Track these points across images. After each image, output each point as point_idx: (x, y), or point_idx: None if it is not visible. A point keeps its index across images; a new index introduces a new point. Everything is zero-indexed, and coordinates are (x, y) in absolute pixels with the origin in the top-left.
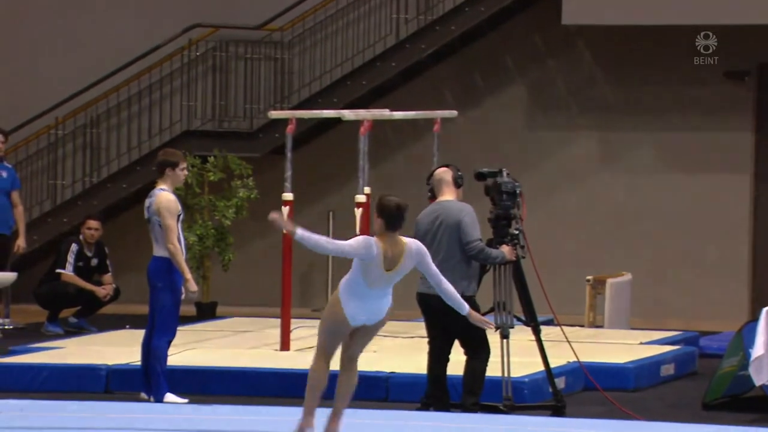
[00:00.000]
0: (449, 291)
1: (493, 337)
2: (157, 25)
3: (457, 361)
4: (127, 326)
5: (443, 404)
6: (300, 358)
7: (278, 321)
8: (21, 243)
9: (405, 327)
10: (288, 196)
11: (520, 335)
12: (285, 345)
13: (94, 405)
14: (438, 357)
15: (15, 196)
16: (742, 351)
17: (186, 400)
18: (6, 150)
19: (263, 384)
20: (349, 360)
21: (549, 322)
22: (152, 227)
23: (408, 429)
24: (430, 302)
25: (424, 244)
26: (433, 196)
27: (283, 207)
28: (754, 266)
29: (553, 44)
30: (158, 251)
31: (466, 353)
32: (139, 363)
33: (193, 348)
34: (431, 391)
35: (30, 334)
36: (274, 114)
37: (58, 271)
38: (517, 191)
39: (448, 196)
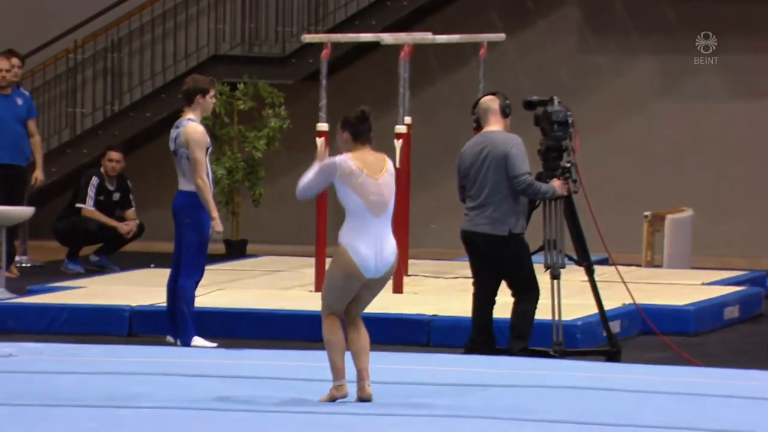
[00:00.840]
0: None
1: (543, 278)
2: None
3: (504, 303)
4: (152, 265)
5: (489, 349)
6: None
7: (312, 260)
8: (38, 175)
9: (448, 267)
10: (323, 126)
11: (572, 275)
12: (320, 286)
13: (117, 349)
14: (484, 299)
15: (32, 125)
16: None
17: (214, 344)
18: (22, 75)
19: (296, 327)
20: (351, 319)
21: (603, 262)
22: (178, 160)
23: (451, 375)
24: (475, 240)
25: (468, 177)
26: (479, 127)
27: (317, 138)
28: None
29: None
30: (184, 185)
31: (513, 295)
32: (165, 304)
33: (222, 288)
34: (476, 336)
35: (49, 273)
36: (308, 38)
37: (77, 205)
38: (569, 121)
39: (494, 126)
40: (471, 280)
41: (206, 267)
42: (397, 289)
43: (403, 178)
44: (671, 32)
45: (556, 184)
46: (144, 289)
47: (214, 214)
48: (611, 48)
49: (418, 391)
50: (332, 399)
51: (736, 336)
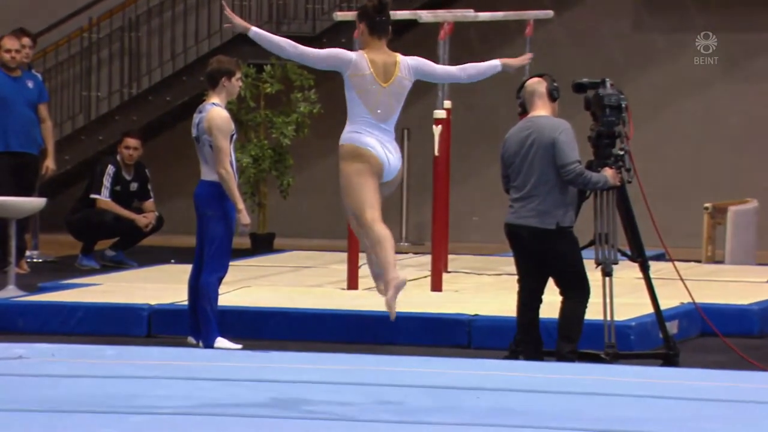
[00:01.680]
0: (475, 71)
1: (594, 275)
2: None
3: (551, 303)
4: (172, 260)
5: (535, 352)
6: (369, 298)
7: (344, 255)
8: (50, 164)
9: (491, 262)
10: None
11: (626, 272)
12: (352, 283)
13: (135, 350)
14: (529, 297)
15: (43, 109)
16: None
17: (239, 346)
18: (33, 56)
19: (327, 327)
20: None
21: (660, 257)
22: (201, 147)
23: (494, 380)
24: (520, 233)
25: (512, 166)
26: (524, 112)
27: None
28: None
29: None
30: (207, 175)
31: (561, 293)
32: (186, 303)
33: (247, 286)
34: (521, 337)
35: (62, 269)
36: (341, 15)
37: (92, 196)
38: (623, 105)
39: (541, 111)
40: (515, 277)
41: (231, 263)
42: (436, 286)
43: (442, 166)
44: (732, 8)
45: (608, 173)
46: (164, 286)
47: (240, 205)
48: (668, 26)
49: (457, 397)
50: (397, 289)
51: None
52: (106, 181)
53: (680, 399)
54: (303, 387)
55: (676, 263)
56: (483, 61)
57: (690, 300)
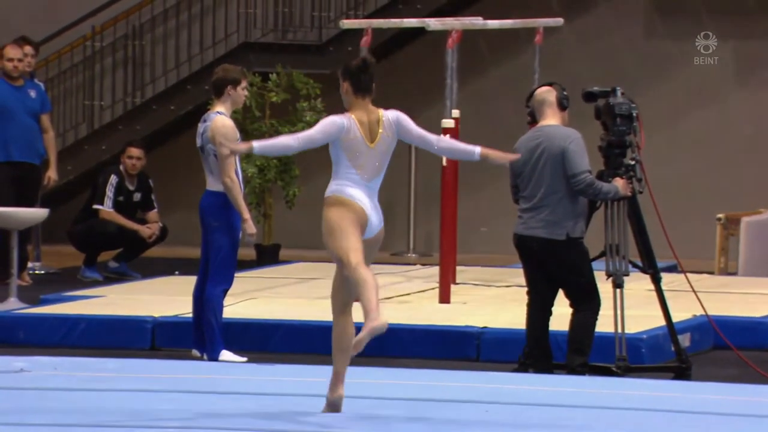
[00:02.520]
0: (449, 145)
1: (605, 287)
2: None
3: (561, 315)
4: (177, 272)
5: (545, 365)
6: None
7: None
8: (52, 174)
9: (500, 274)
10: None
11: (637, 284)
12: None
13: (138, 363)
14: (539, 309)
15: (45, 119)
16: None
17: (245, 359)
18: (35, 65)
19: None
20: (344, 304)
21: (671, 269)
22: (206, 157)
23: (503, 394)
24: (530, 245)
25: (522, 176)
26: (534, 121)
27: None
28: None
29: None
30: (212, 185)
31: (572, 305)
32: (190, 315)
33: (252, 298)
34: (531, 350)
35: (64, 281)
36: (347, 23)
37: (95, 207)
38: (634, 114)
39: (551, 120)
40: (525, 289)
41: (236, 274)
42: (444, 298)
43: (450, 176)
44: (746, 15)
45: (619, 183)
46: (168, 298)
47: (246, 215)
48: (680, 33)
49: (466, 411)
50: (371, 333)
51: None
52: (109, 192)
53: (692, 413)
54: (309, 400)
55: (689, 275)
56: (491, 71)
57: (702, 312)
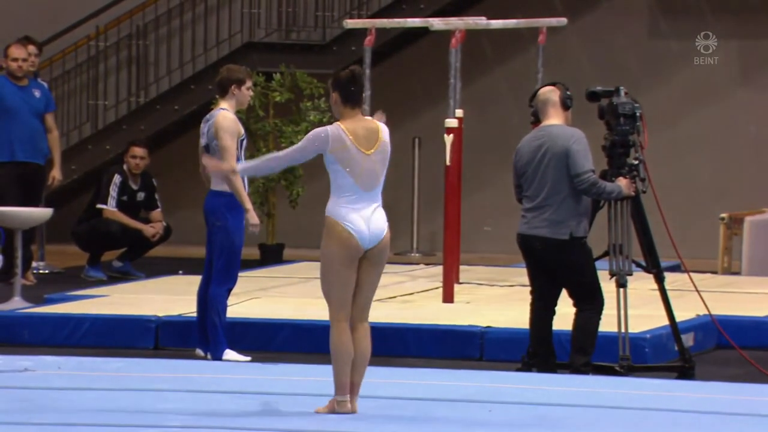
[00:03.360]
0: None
1: (608, 286)
2: None
3: (564, 314)
4: (180, 272)
5: (548, 364)
6: (380, 309)
7: None
8: (56, 174)
9: (503, 273)
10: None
11: (640, 284)
12: None
13: (142, 362)
14: (542, 309)
15: (49, 119)
16: None
17: (248, 358)
18: (39, 65)
19: None
20: (359, 314)
21: (675, 268)
22: (211, 156)
23: (506, 393)
24: (533, 244)
25: (525, 175)
26: (537, 121)
27: None
28: None
29: None
30: (216, 184)
31: (575, 305)
32: (194, 315)
33: (256, 297)
34: (534, 349)
35: (68, 280)
36: (351, 23)
37: (99, 206)
38: (638, 113)
39: (554, 120)
40: (528, 289)
41: (240, 274)
42: (447, 297)
43: (453, 176)
44: (750, 14)
45: (623, 183)
46: (172, 297)
47: (248, 205)
48: (684, 33)
49: (469, 410)
50: (331, 412)
51: None
52: (113, 191)
53: (696, 412)
54: (313, 400)
55: (692, 274)
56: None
57: (706, 312)
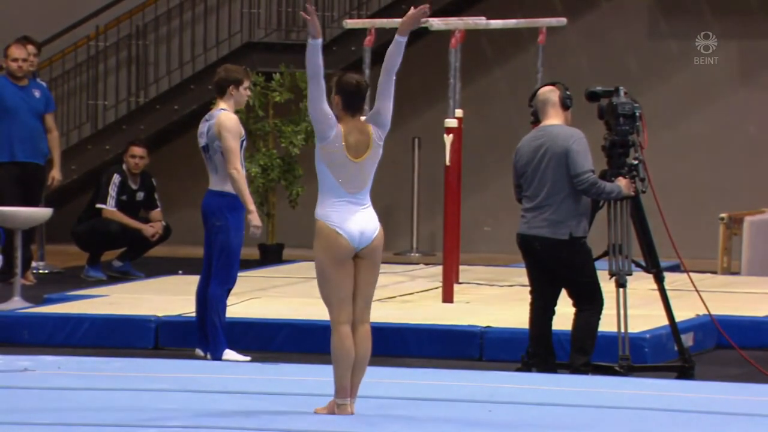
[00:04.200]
0: (387, 62)
1: (608, 286)
2: None
3: (564, 314)
4: (180, 271)
5: (548, 364)
6: (380, 309)
7: None
8: (56, 174)
9: (503, 273)
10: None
11: (640, 284)
12: None
13: (142, 362)
14: (542, 309)
15: (49, 119)
16: None
17: (248, 358)
18: (38, 64)
19: None
20: (359, 315)
21: (674, 268)
22: (210, 156)
23: (506, 393)
24: (533, 244)
25: (525, 175)
26: (537, 121)
27: None
28: None
29: None
30: (215, 184)
31: (575, 305)
32: (194, 314)
33: (256, 297)
34: (534, 349)
35: (68, 280)
36: (351, 23)
37: (98, 206)
38: (637, 113)
39: (554, 120)
40: (528, 289)
41: (239, 274)
42: (447, 298)
43: (453, 176)
44: (749, 14)
45: (622, 183)
46: (171, 297)
47: (251, 207)
48: (683, 33)
49: (469, 410)
50: (331, 414)
51: None
52: (112, 191)
53: (695, 412)
54: (312, 400)
55: (692, 274)
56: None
57: (705, 312)
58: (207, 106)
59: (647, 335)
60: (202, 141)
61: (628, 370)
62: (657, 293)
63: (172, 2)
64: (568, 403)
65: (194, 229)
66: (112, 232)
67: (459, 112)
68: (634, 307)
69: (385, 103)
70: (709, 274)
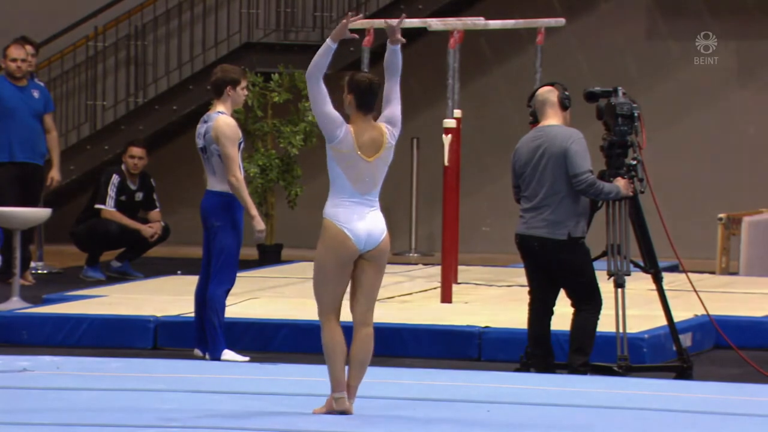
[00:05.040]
0: (388, 68)
1: (606, 286)
2: None
3: (562, 314)
4: (179, 272)
5: (546, 364)
6: (378, 309)
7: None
8: (55, 174)
9: (501, 274)
10: None
11: (638, 284)
12: None
13: (141, 363)
14: (540, 309)
15: (48, 119)
16: None
17: (247, 358)
18: (37, 65)
19: None
20: (362, 318)
21: (673, 269)
22: (208, 157)
23: (504, 393)
24: (531, 244)
25: (523, 175)
26: (535, 121)
27: None
28: None
29: None
30: (214, 185)
31: (573, 305)
32: (193, 315)
33: (255, 297)
34: (532, 350)
35: (67, 280)
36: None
37: (97, 206)
38: (636, 114)
39: (552, 120)
40: (526, 289)
41: (238, 274)
42: (446, 298)
43: (452, 176)
44: (748, 15)
45: (621, 183)
46: (170, 298)
47: (254, 212)
48: (682, 33)
49: (467, 410)
50: (329, 411)
51: None
52: (111, 191)
53: (694, 413)
54: (311, 400)
55: (690, 275)
56: (492, 71)
57: (704, 312)
58: (206, 107)
59: (646, 335)
60: (199, 142)
61: (627, 371)
62: (655, 293)
63: (171, 3)
64: (567, 403)
65: (193, 229)
66: (111, 233)
67: (458, 113)
68: (633, 307)
69: (395, 107)
70: (707, 275)
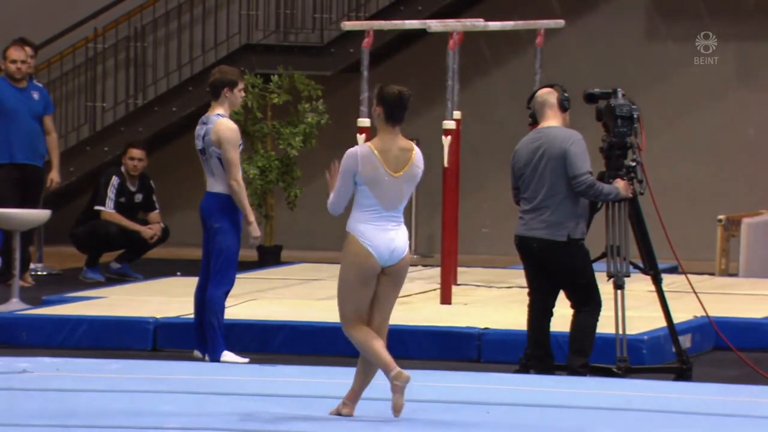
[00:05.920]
0: None
1: (606, 288)
2: None
3: (562, 316)
4: (178, 273)
5: (546, 366)
6: None
7: None
8: (54, 176)
9: (501, 275)
10: (364, 121)
11: (638, 285)
12: None
13: (140, 364)
14: (540, 310)
15: (48, 121)
16: None
17: (246, 360)
18: (36, 67)
19: (335, 341)
20: (375, 331)
21: (672, 270)
22: (207, 159)
23: (504, 395)
24: (531, 246)
25: (523, 177)
26: (535, 122)
27: (358, 134)
28: None
29: None
30: (213, 186)
31: (573, 306)
32: (192, 316)
33: (254, 299)
34: (532, 351)
35: (66, 282)
36: (349, 25)
37: (97, 208)
38: (635, 115)
39: (552, 121)
40: (526, 290)
41: (238, 275)
42: (445, 299)
43: (451, 178)
44: (748, 16)
45: (620, 184)
46: (169, 299)
47: (251, 218)
48: (681, 35)
49: (467, 411)
50: (398, 390)
51: None
52: (111, 193)
53: (693, 414)
54: (311, 401)
55: (689, 276)
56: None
57: (703, 313)
58: (205, 108)
59: (645, 337)
60: (198, 144)
61: (626, 372)
62: (655, 295)
63: (171, 4)
64: (566, 404)
65: (193, 231)
66: (111, 234)
67: (457, 114)
68: (632, 308)
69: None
70: (707, 276)
